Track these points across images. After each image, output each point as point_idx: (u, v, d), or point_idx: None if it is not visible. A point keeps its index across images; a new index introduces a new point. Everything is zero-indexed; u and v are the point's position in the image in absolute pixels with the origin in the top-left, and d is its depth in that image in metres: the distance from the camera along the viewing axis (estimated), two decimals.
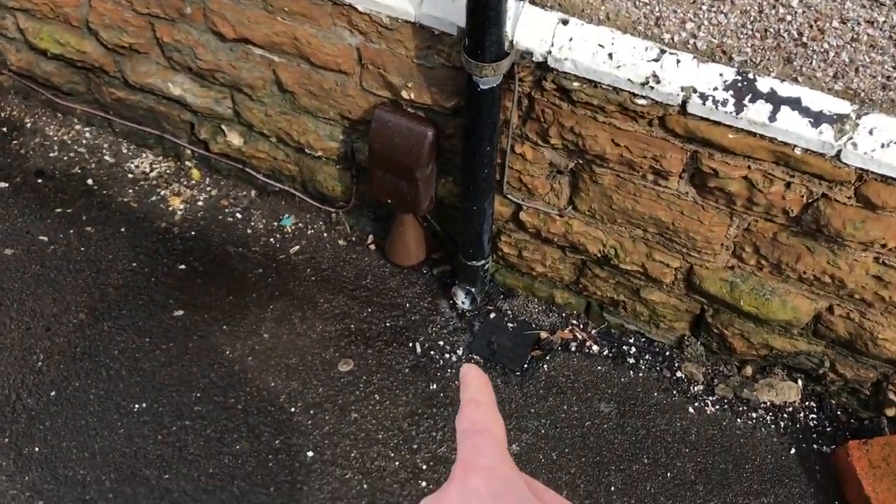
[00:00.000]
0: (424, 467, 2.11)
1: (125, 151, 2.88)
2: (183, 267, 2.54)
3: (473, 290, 2.40)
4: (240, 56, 2.33)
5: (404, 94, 2.13)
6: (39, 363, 2.28)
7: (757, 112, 1.71)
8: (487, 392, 0.57)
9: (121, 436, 2.15)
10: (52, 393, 2.22)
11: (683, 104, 1.77)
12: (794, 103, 1.70)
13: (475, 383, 0.58)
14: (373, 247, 2.62)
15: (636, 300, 2.30)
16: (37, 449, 2.11)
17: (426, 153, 2.17)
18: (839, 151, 1.69)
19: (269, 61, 2.30)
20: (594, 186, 2.07)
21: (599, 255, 2.22)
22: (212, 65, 2.39)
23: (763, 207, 1.89)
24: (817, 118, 1.68)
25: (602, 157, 1.98)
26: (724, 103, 1.73)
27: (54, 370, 2.27)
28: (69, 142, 2.91)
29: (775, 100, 1.71)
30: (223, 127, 2.62)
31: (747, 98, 1.72)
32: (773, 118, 1.70)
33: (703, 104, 1.74)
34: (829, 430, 2.23)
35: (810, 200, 1.82)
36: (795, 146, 1.72)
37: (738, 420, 2.23)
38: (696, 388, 2.29)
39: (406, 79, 2.09)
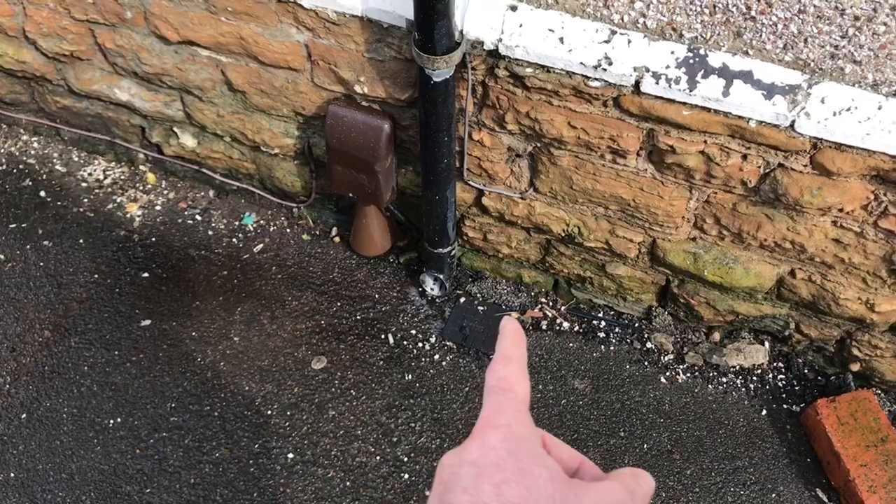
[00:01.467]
0: (406, 459, 2.12)
1: (76, 160, 2.82)
2: (146, 275, 2.50)
3: (441, 276, 2.40)
4: (186, 58, 2.28)
5: (357, 88, 2.10)
6: (7, 385, 2.25)
7: (710, 88, 1.72)
8: (519, 349, 0.62)
9: (98, 453, 2.13)
10: (23, 415, 2.19)
11: (637, 84, 1.77)
12: (747, 76, 1.71)
13: (509, 339, 0.62)
14: (337, 239, 2.60)
15: (602, 275, 2.32)
16: (12, 474, 2.09)
17: (384, 146, 2.15)
18: (793, 122, 1.70)
19: (216, 62, 2.25)
20: (553, 168, 2.07)
21: (563, 234, 2.23)
22: (158, 69, 2.34)
23: (721, 180, 1.91)
24: (770, 90, 1.69)
25: (559, 139, 1.97)
26: (677, 81, 1.73)
27: (23, 391, 2.24)
28: (17, 153, 2.84)
29: (727, 74, 1.71)
30: (175, 129, 2.57)
31: (700, 74, 1.72)
32: (726, 93, 1.71)
33: (657, 83, 1.74)
34: (797, 388, 2.28)
35: (767, 171, 1.84)
36: (750, 119, 1.74)
37: (710, 386, 2.27)
38: (666, 358, 2.32)
39: (358, 73, 2.06)
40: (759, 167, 1.84)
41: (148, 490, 2.07)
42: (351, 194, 2.32)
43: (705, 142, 1.84)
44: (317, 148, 2.37)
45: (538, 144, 2.04)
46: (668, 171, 1.95)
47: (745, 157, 1.83)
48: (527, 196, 2.18)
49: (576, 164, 2.03)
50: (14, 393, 2.23)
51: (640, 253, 2.20)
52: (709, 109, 1.76)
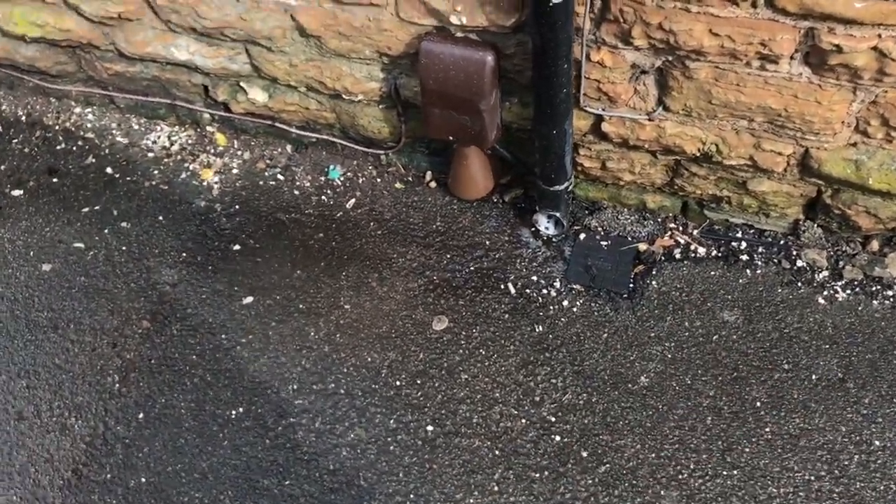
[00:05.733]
0: (553, 419, 1.97)
1: (137, 128, 2.61)
2: (237, 247, 2.32)
3: (558, 213, 2.19)
4: (250, 7, 2.03)
5: (453, 19, 1.84)
6: (117, 385, 2.12)
7: None
8: None
9: (226, 448, 2.01)
10: (140, 415, 2.07)
11: None
12: None
13: None
14: (433, 184, 2.39)
15: (743, 193, 2.08)
16: (143, 479, 1.98)
17: (489, 81, 1.90)
18: None
19: (284, 6, 2.00)
20: (688, 83, 1.82)
21: (699, 154, 1.99)
22: (219, 22, 2.09)
23: (895, 77, 1.64)
24: None
25: (698, 50, 1.72)
26: None
27: (135, 390, 2.11)
28: (73, 128, 2.64)
29: None
30: (242, 84, 2.34)
31: None
32: None
33: None
34: None
35: None
36: None
37: (874, 302, 2.06)
38: (821, 276, 2.10)
39: (453, 1, 1.80)
40: None
41: (287, 482, 1.95)
42: (451, 138, 2.09)
43: (879, 35, 1.57)
44: (404, 89, 2.12)
45: (669, 58, 1.78)
46: (829, 74, 1.69)
47: None
48: (655, 117, 1.94)
49: (715, 75, 1.77)
50: (126, 392, 2.11)
51: (789, 165, 1.95)
52: None
